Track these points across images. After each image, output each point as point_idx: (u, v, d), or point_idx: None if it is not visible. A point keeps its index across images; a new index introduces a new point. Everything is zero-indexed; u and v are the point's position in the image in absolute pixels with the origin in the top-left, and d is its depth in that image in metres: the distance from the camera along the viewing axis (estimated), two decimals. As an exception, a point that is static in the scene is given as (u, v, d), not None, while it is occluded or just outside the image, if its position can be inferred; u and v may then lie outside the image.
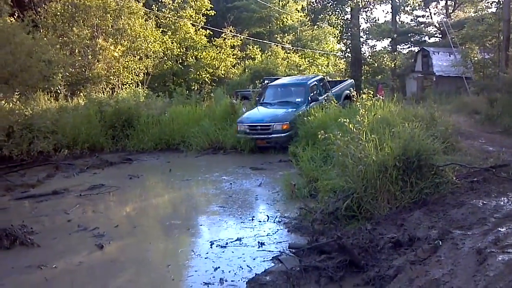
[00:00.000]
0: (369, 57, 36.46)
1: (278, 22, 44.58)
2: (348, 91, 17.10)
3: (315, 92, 15.56)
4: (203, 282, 5.43)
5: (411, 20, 46.45)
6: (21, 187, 11.10)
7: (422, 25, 45.91)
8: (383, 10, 36.15)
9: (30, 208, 9.18)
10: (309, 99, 14.91)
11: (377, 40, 41.34)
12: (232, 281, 5.41)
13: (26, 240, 6.84)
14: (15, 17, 16.49)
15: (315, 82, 16.01)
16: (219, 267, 5.79)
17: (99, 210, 8.98)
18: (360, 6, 34.46)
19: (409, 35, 45.02)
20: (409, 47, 46.09)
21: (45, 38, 16.84)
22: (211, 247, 6.53)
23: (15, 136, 13.94)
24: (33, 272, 5.95)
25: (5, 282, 5.74)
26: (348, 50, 35.04)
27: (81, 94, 19.43)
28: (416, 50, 39.30)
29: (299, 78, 17.98)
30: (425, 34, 46.14)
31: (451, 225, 5.52)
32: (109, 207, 9.38)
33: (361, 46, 34.92)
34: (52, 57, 15.80)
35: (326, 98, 14.83)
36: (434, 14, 47.08)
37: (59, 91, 18.34)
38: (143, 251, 6.71)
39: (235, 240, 6.76)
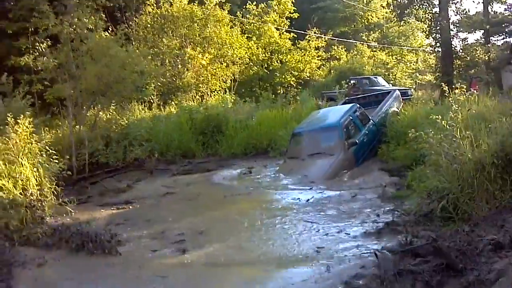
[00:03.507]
0: (461, 50, 34.81)
1: (363, 20, 43.74)
2: (396, 109, 14.13)
3: (351, 131, 12.09)
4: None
5: (505, 10, 43.73)
6: (113, 192, 11.80)
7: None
8: (473, 1, 34.56)
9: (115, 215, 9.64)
10: (346, 144, 11.56)
11: (468, 33, 39.29)
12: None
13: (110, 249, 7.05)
14: (109, 31, 17.42)
15: (349, 117, 12.31)
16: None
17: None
18: (449, -3, 33.03)
19: (503, 25, 42.42)
20: (503, 38, 43.45)
21: (137, 50, 17.60)
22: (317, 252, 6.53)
23: (112, 144, 14.76)
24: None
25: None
26: (438, 44, 33.67)
27: (173, 102, 20.17)
28: (512, 41, 37.03)
29: (329, 114, 13.47)
30: (521, 23, 43.30)
31: (557, 225, 5.16)
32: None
33: (451, 39, 33.40)
34: (144, 68, 16.46)
35: (366, 132, 12.43)
36: (531, 1, 44.12)
37: (152, 101, 19.15)
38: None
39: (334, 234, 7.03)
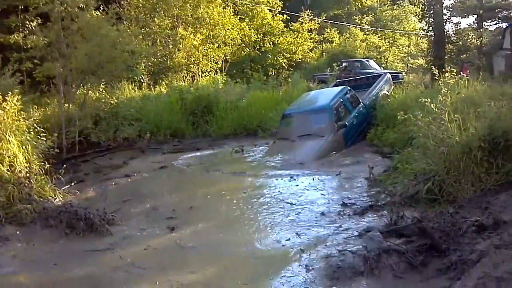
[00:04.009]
0: (453, 35, 34.83)
1: (357, 3, 43.59)
2: (386, 92, 14.19)
3: (341, 113, 12.12)
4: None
5: (498, -5, 43.81)
6: (109, 168, 11.93)
7: (511, 0, 43.13)
8: (467, -14, 34.76)
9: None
10: (336, 126, 11.63)
11: (461, 17, 39.42)
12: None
13: (101, 228, 7.03)
14: (100, 10, 17.23)
15: (340, 99, 12.35)
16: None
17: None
18: (443, -18, 32.99)
19: (496, 10, 42.50)
20: (496, 24, 43.54)
21: (128, 30, 17.36)
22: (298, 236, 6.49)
23: (102, 123, 14.75)
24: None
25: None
26: (431, 28, 33.65)
27: (163, 82, 20.07)
28: (504, 26, 37.05)
29: (320, 96, 13.48)
30: (513, 8, 43.32)
31: (540, 208, 5.23)
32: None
33: (444, 24, 33.37)
34: (135, 48, 16.31)
35: (356, 115, 12.49)
36: (524, -14, 44.10)
37: (142, 80, 19.05)
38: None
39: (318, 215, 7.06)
